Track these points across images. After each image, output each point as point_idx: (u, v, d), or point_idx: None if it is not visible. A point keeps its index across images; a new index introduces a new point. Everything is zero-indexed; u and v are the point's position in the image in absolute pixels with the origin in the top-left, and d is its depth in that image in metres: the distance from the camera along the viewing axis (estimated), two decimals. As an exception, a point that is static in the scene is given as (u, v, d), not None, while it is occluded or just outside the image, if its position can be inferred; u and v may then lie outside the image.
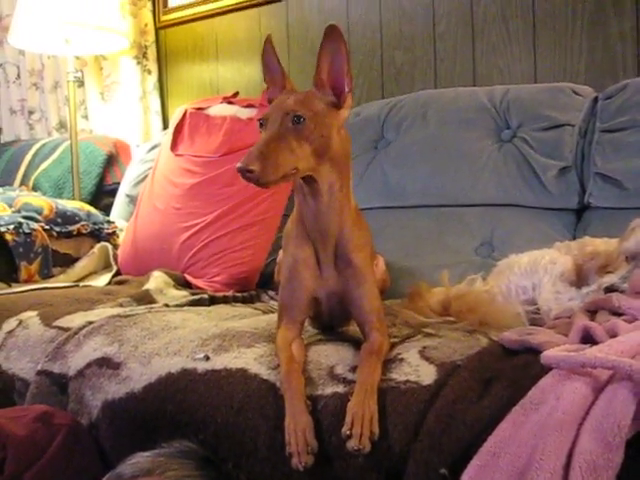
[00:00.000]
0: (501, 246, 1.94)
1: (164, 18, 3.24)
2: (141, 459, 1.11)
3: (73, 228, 2.37)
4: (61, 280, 2.25)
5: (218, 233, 2.15)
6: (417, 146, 2.22)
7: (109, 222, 2.55)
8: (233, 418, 1.18)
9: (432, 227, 2.11)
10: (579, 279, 1.53)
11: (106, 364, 1.39)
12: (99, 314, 1.62)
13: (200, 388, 1.24)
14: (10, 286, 2.11)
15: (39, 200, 2.39)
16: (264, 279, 2.17)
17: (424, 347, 1.24)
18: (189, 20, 3.17)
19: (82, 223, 2.40)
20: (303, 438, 1.05)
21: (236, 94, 2.52)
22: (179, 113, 2.48)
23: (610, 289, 1.36)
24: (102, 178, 2.94)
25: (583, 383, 0.93)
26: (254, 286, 2.16)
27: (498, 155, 2.09)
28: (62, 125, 3.41)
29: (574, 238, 1.82)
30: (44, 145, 3.05)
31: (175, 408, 1.25)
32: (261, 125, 1.19)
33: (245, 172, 1.09)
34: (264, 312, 1.76)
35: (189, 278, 2.11)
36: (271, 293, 2.08)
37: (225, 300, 1.93)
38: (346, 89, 1.23)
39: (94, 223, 2.46)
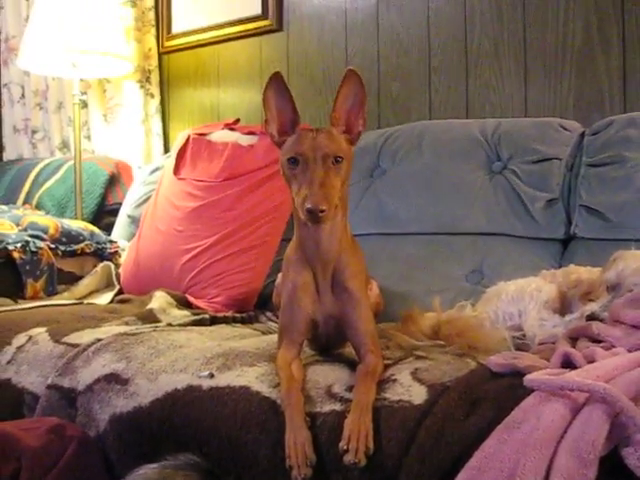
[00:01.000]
0: (490, 273, 1.97)
1: (167, 44, 3.28)
2: (148, 470, 1.16)
3: (77, 247, 2.41)
4: (65, 297, 2.28)
5: (218, 256, 2.19)
6: (412, 175, 2.26)
7: (111, 242, 2.59)
8: (236, 433, 1.22)
9: (425, 254, 2.13)
10: (563, 306, 1.58)
11: (114, 380, 1.44)
12: (106, 332, 1.66)
13: (205, 404, 1.29)
14: (16, 302, 2.15)
15: (45, 219, 2.43)
16: (262, 300, 2.20)
17: (416, 369, 1.28)
18: (192, 46, 3.21)
19: (86, 242, 2.44)
20: (303, 452, 1.09)
21: (237, 121, 2.56)
22: (182, 138, 2.51)
23: (591, 317, 1.40)
24: (104, 198, 2.98)
25: (562, 404, 0.97)
26: (252, 307, 2.19)
27: (489, 186, 2.12)
28: (65, 145, 3.44)
29: (560, 267, 1.83)
30: (48, 164, 3.08)
31: (180, 422, 1.30)
32: (295, 162, 1.26)
33: (319, 212, 1.18)
34: (263, 333, 1.82)
35: (190, 298, 2.15)
36: (269, 314, 2.10)
37: (225, 320, 1.96)
38: (360, 129, 1.33)
39: (97, 243, 2.50)
